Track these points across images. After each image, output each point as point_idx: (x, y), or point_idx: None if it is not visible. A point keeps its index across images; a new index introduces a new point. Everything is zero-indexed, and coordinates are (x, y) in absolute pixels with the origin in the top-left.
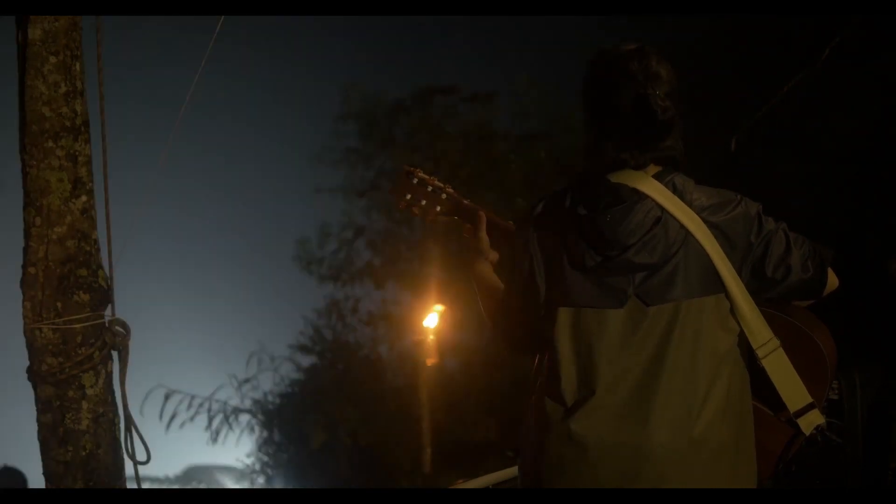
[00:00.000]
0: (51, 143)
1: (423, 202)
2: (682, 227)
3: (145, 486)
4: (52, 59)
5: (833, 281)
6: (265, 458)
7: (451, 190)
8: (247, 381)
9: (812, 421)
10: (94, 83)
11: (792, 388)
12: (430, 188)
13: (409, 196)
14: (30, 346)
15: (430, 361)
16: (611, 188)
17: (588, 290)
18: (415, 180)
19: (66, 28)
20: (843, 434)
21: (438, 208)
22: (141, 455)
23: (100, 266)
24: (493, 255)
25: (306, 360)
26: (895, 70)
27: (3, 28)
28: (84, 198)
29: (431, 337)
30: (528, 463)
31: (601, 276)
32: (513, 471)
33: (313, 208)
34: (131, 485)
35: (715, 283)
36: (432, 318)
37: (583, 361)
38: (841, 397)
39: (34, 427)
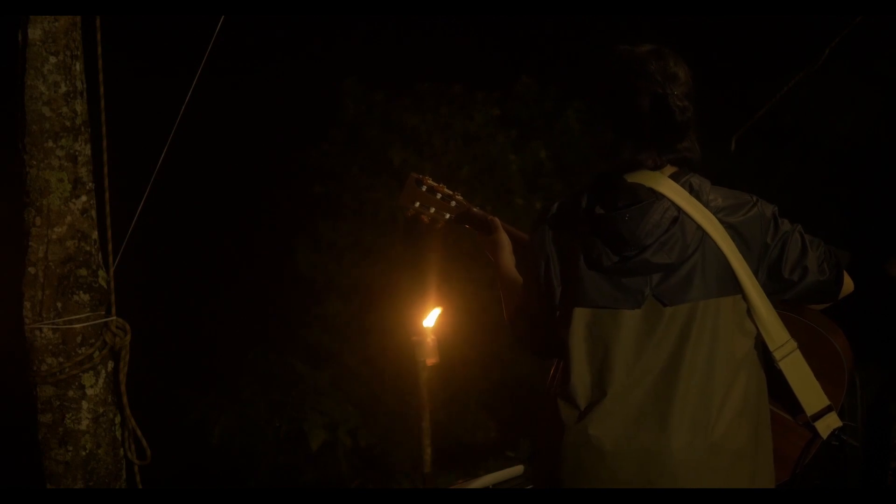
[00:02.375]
0: (51, 143)
1: (433, 210)
2: (699, 227)
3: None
4: (52, 59)
5: (849, 284)
6: None
7: (460, 197)
8: None
9: (829, 424)
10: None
11: (809, 391)
12: (439, 196)
13: (417, 204)
14: (30, 346)
15: (431, 361)
16: (628, 188)
17: (605, 291)
18: (423, 188)
19: (66, 28)
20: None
21: (448, 216)
22: (141, 455)
23: (100, 266)
24: (512, 256)
25: None
26: (895, 70)
27: (2, 28)
28: (84, 198)
29: (431, 337)
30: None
31: (618, 277)
32: (513, 471)
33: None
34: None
35: (732, 284)
36: (432, 318)
37: (598, 362)
38: None
39: None
